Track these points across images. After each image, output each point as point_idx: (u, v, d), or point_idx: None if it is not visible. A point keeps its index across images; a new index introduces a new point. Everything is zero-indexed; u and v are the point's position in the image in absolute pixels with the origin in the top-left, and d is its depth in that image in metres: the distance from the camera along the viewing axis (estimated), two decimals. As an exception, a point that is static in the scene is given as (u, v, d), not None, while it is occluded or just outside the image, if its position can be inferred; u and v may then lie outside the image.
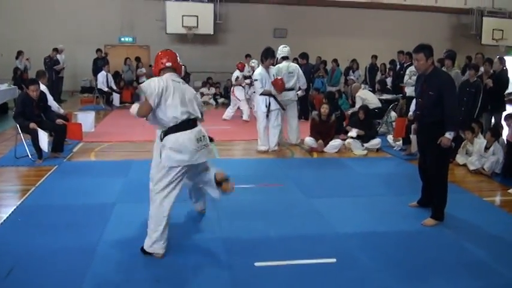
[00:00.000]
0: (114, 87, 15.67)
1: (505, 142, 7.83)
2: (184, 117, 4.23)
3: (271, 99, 8.83)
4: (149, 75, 17.71)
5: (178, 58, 4.55)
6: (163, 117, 4.24)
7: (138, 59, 17.99)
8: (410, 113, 8.62)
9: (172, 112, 4.20)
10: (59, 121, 8.28)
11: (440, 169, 5.41)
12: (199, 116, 4.45)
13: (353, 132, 9.38)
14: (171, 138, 4.22)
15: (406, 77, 10.59)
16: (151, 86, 4.18)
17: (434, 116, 5.27)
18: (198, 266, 4.19)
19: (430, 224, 5.36)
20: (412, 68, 9.85)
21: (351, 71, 16.32)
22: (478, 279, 4.15)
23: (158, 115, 4.25)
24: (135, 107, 4.36)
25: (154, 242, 4.30)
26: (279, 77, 8.81)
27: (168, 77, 4.32)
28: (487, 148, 7.81)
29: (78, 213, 5.43)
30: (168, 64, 4.44)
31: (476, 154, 7.93)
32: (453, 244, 4.87)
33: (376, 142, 9.35)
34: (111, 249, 4.51)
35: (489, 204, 6.31)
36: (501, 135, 8.11)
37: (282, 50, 9.64)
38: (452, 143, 7.93)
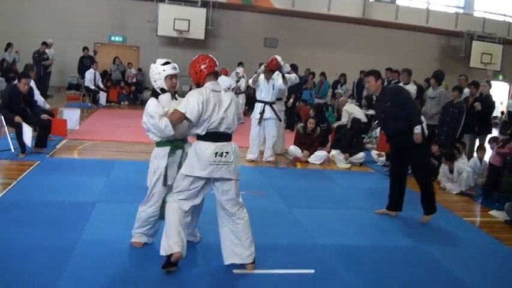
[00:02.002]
0: (101, 86, 15.58)
1: (487, 164, 7.97)
2: (213, 129, 4.06)
3: (267, 106, 8.85)
4: (139, 77, 17.75)
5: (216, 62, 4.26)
6: (196, 129, 4.10)
7: (129, 64, 17.99)
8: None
9: (204, 126, 4.04)
10: (44, 116, 8.22)
11: (426, 170, 6.15)
12: (230, 131, 4.17)
13: (339, 154, 9.42)
14: (194, 146, 4.12)
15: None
16: (190, 104, 3.97)
17: (398, 123, 5.84)
18: (176, 271, 4.15)
19: (428, 219, 6.01)
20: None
21: (338, 85, 16.40)
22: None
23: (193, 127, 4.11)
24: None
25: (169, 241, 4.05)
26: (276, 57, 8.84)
27: (209, 87, 4.11)
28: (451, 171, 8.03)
29: (58, 211, 5.38)
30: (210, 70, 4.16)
31: (443, 177, 8.12)
32: (431, 261, 4.91)
33: (360, 156, 9.41)
34: (89, 249, 4.47)
35: (469, 224, 6.38)
36: (456, 158, 8.18)
37: None
38: (435, 161, 8.11)
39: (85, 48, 16.55)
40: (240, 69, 14.18)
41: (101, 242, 4.66)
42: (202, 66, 4.14)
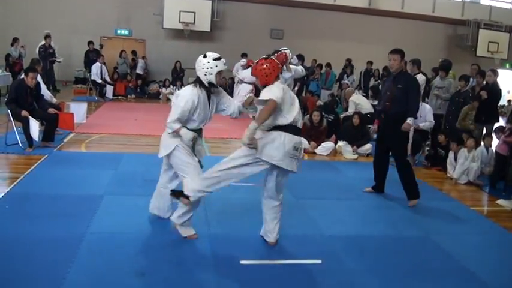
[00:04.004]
0: (108, 79, 15.62)
1: (494, 153, 7.95)
2: (298, 122, 4.29)
3: None
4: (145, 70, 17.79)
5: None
6: (281, 118, 4.23)
7: (134, 53, 17.99)
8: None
9: (291, 115, 4.24)
10: (51, 110, 8.25)
11: (403, 154, 6.50)
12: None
13: (346, 145, 9.40)
14: (275, 135, 4.20)
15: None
16: (275, 92, 4.17)
17: (400, 107, 6.22)
18: (183, 262, 4.19)
19: (414, 203, 6.27)
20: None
21: (345, 75, 16.36)
22: (462, 286, 4.20)
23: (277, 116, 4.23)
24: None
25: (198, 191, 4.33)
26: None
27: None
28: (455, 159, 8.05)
29: (66, 204, 5.40)
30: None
31: (450, 165, 8.13)
32: (438, 251, 4.91)
33: (367, 147, 9.39)
34: (97, 241, 4.49)
35: (476, 214, 6.36)
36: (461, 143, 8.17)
37: None
38: (442, 151, 8.09)
39: (90, 42, 16.58)
40: (244, 61, 14.18)
41: (109, 234, 4.68)
42: (272, 70, 4.29)
